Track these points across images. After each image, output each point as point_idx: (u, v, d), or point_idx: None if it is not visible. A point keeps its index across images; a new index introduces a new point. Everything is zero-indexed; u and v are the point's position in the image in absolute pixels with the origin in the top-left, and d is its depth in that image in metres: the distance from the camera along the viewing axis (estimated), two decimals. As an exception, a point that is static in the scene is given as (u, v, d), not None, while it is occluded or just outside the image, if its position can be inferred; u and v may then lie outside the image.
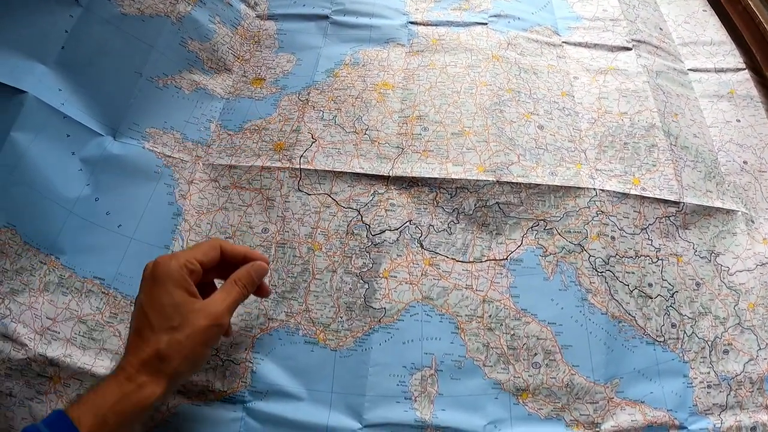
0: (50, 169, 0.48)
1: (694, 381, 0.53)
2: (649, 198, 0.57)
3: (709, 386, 0.53)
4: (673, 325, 0.54)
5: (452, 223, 0.54)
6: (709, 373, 0.53)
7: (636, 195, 0.57)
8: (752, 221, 0.62)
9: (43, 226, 0.48)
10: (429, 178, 0.55)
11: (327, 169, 0.55)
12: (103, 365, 0.47)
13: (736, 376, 0.54)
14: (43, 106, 0.48)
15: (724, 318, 0.56)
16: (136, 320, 0.38)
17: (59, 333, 0.46)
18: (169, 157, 0.55)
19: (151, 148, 0.54)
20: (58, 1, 0.50)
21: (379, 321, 0.50)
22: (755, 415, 0.52)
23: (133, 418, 0.35)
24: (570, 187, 0.56)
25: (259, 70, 0.64)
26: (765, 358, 0.55)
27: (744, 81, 0.73)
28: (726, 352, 0.55)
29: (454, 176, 0.55)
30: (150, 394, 0.36)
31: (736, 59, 0.75)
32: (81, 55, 0.52)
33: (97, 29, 0.53)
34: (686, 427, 0.51)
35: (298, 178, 0.55)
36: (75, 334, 0.46)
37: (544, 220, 0.55)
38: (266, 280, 0.51)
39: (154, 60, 0.56)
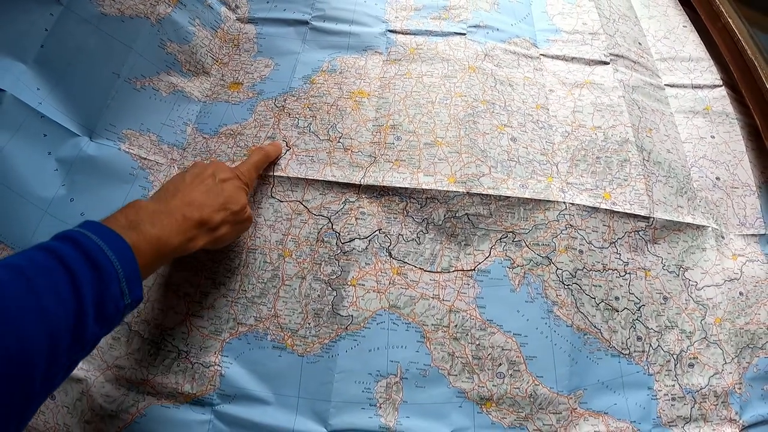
0: (26, 168, 0.48)
1: (659, 393, 0.54)
2: (619, 212, 0.58)
3: (673, 399, 0.54)
4: (639, 338, 0.55)
5: (421, 233, 0.55)
6: (673, 385, 0.54)
7: (606, 209, 0.57)
8: (722, 237, 0.63)
9: (17, 226, 0.48)
10: (400, 187, 0.55)
11: (300, 176, 0.56)
12: (80, 366, 0.48)
13: (700, 389, 0.55)
14: (21, 105, 0.48)
15: (690, 332, 0.57)
16: (207, 185, 0.45)
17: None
18: (145, 159, 0.55)
19: (127, 150, 0.55)
20: (38, 0, 0.50)
21: (346, 328, 0.51)
22: (719, 428, 0.54)
23: (173, 258, 0.43)
24: (540, 200, 0.56)
25: (236, 74, 0.64)
26: (730, 372, 0.56)
27: (720, 98, 0.74)
28: (691, 365, 0.56)
29: (424, 186, 0.55)
30: (195, 246, 0.42)
31: (713, 76, 0.76)
32: (60, 55, 0.51)
33: (77, 29, 0.53)
34: None
35: (271, 185, 0.55)
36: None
37: (512, 233, 0.55)
38: (236, 285, 0.52)
39: (132, 61, 0.57)
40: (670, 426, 0.53)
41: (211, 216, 0.43)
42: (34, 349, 0.28)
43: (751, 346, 0.58)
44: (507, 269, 0.54)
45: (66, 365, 0.31)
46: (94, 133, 0.54)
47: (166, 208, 0.40)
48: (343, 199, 0.55)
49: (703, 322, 0.57)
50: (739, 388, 0.56)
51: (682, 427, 0.53)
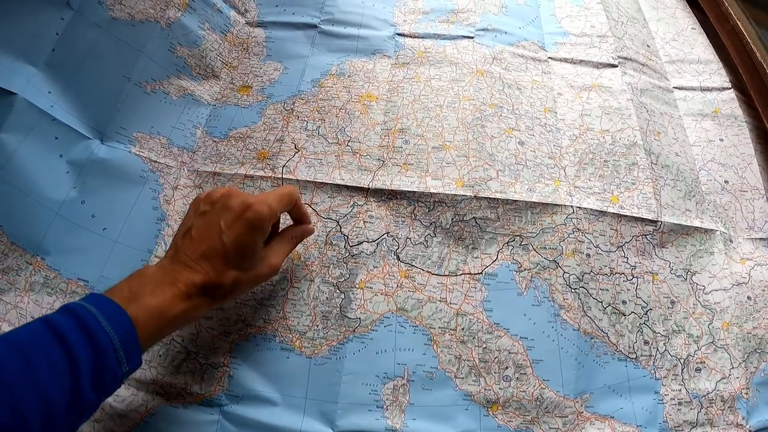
0: (38, 170, 0.49)
1: (665, 398, 0.54)
2: (626, 216, 0.58)
3: (680, 403, 0.54)
4: (646, 342, 0.55)
5: (429, 236, 0.55)
6: (680, 390, 0.54)
7: (613, 213, 0.57)
8: (731, 241, 0.62)
9: (29, 227, 0.48)
10: (408, 191, 0.56)
11: (308, 179, 0.56)
12: None
13: (707, 394, 0.54)
14: (33, 108, 0.48)
15: (697, 336, 0.57)
16: (210, 245, 0.41)
17: (42, 332, 0.47)
18: (155, 162, 0.56)
19: (137, 153, 0.55)
20: (50, 4, 0.51)
21: (354, 331, 0.51)
22: None
23: (181, 327, 0.41)
24: (547, 204, 0.56)
25: (246, 78, 0.64)
26: (737, 377, 0.56)
27: (729, 100, 0.73)
28: (698, 370, 0.55)
29: (432, 190, 0.56)
30: (200, 314, 0.41)
31: (722, 78, 0.76)
32: (71, 58, 0.52)
33: (88, 32, 0.53)
34: None
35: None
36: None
37: (520, 236, 0.55)
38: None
39: (142, 65, 0.57)
40: (676, 430, 0.53)
41: (219, 280, 0.40)
42: (30, 421, 0.29)
43: (759, 350, 0.58)
44: (514, 273, 0.54)
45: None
46: (104, 135, 0.54)
47: (170, 276, 0.39)
48: (352, 203, 0.56)
49: (710, 326, 0.57)
50: (746, 393, 0.55)
51: None
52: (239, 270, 0.41)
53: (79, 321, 0.33)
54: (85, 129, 0.53)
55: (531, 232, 0.56)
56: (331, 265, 0.53)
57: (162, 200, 0.55)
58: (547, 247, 0.55)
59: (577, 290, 0.54)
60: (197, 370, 0.49)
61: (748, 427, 0.54)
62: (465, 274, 0.54)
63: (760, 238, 0.63)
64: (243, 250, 0.42)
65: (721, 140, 0.70)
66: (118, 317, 0.35)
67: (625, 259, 0.57)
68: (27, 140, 0.48)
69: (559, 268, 0.55)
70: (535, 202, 0.56)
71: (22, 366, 0.30)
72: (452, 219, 0.55)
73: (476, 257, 0.55)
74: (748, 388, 0.56)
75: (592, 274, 0.55)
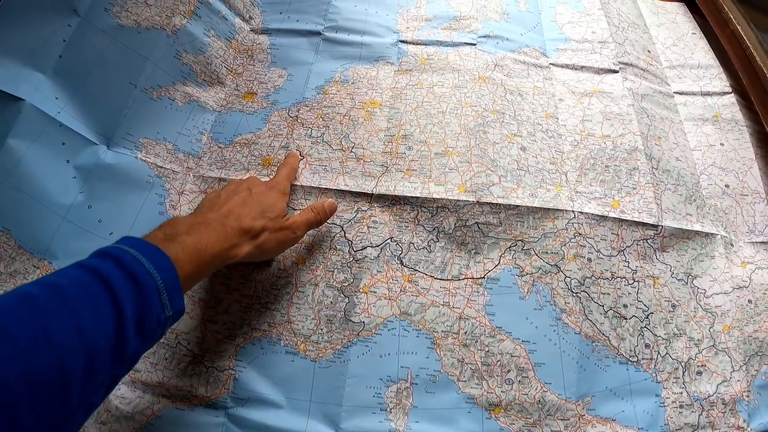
0: (45, 175, 0.50)
1: (667, 401, 0.54)
2: (627, 221, 0.58)
3: (681, 406, 0.54)
4: (647, 346, 0.55)
5: (432, 241, 0.56)
6: (681, 393, 0.55)
7: (614, 218, 0.58)
8: (731, 244, 0.63)
9: (37, 231, 0.49)
10: (411, 197, 0.56)
11: (313, 185, 0.57)
12: None
13: (708, 396, 0.55)
14: (40, 114, 0.49)
15: (698, 340, 0.57)
16: (243, 197, 0.46)
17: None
18: (161, 167, 0.57)
19: (143, 159, 0.56)
20: (57, 11, 0.52)
21: (358, 334, 0.51)
22: None
23: (216, 269, 0.42)
24: (549, 209, 0.57)
25: (251, 84, 0.65)
26: (738, 380, 0.56)
27: (729, 105, 0.74)
28: (699, 373, 0.56)
29: (435, 196, 0.56)
30: (239, 253, 0.42)
31: (722, 83, 0.76)
32: (78, 65, 0.53)
33: (94, 40, 0.54)
34: None
35: (285, 193, 0.57)
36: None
37: (522, 241, 0.56)
38: (251, 291, 0.53)
39: (148, 71, 0.58)
40: (677, 433, 0.53)
41: (251, 223, 0.43)
42: (71, 367, 0.27)
43: (760, 353, 0.58)
44: (516, 277, 0.55)
45: (106, 382, 0.31)
46: (111, 141, 0.55)
47: (203, 220, 0.40)
48: (356, 208, 0.56)
49: (711, 329, 0.58)
50: (748, 396, 0.56)
51: None
52: (269, 219, 0.45)
53: (120, 263, 0.32)
54: (92, 135, 0.53)
55: (533, 237, 0.56)
56: (336, 270, 0.54)
57: (168, 205, 0.56)
58: (548, 251, 0.56)
59: (578, 294, 0.55)
60: (203, 373, 0.50)
61: (749, 429, 0.54)
62: (467, 278, 0.54)
63: (761, 242, 0.64)
64: (271, 204, 0.46)
65: (722, 144, 0.70)
66: (159, 257, 0.34)
67: (627, 264, 0.57)
68: (35, 146, 0.49)
69: (560, 273, 0.55)
70: (536, 207, 0.57)
71: (65, 310, 0.28)
72: (455, 224, 0.56)
73: (479, 262, 0.55)
74: (749, 391, 0.56)
75: (593, 278, 0.56)
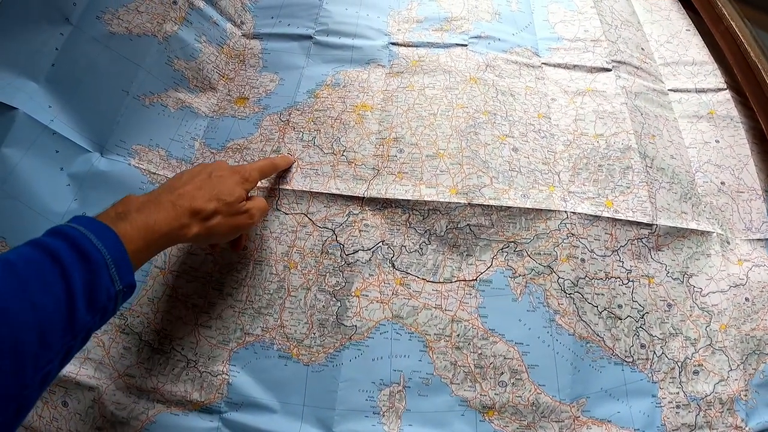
0: (39, 183, 0.50)
1: (663, 401, 0.54)
2: (621, 220, 0.58)
3: (678, 406, 0.54)
4: (643, 346, 0.55)
5: (424, 244, 0.56)
6: (678, 393, 0.55)
7: (608, 217, 0.58)
8: (728, 242, 0.63)
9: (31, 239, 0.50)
10: (402, 199, 0.56)
11: (305, 189, 0.57)
12: (86, 374, 0.50)
13: (705, 396, 0.55)
14: (34, 123, 0.50)
15: (695, 339, 0.57)
16: (201, 179, 0.45)
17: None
18: (154, 174, 0.57)
19: (136, 165, 0.56)
20: (49, 20, 0.52)
21: (350, 338, 0.52)
22: None
23: (166, 247, 0.42)
24: (541, 209, 0.57)
25: (242, 89, 0.65)
26: (736, 379, 0.56)
27: (724, 101, 0.73)
28: (696, 372, 0.56)
29: (426, 198, 0.56)
30: (188, 233, 0.42)
31: (717, 79, 0.76)
32: (70, 73, 0.53)
33: (86, 47, 0.55)
34: None
35: (277, 198, 0.57)
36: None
37: (514, 242, 0.56)
38: (243, 296, 0.53)
39: (141, 78, 0.58)
40: (674, 434, 0.53)
41: (203, 205, 0.43)
42: (25, 339, 0.29)
43: (758, 352, 0.58)
44: (509, 279, 0.55)
45: (61, 353, 0.32)
46: (104, 149, 0.55)
47: (156, 199, 0.41)
48: (347, 212, 0.56)
49: (708, 328, 0.58)
50: (745, 395, 0.56)
51: None
52: (222, 203, 0.45)
53: (69, 239, 0.33)
54: (85, 142, 0.54)
55: (525, 238, 0.56)
56: (327, 274, 0.54)
57: (161, 212, 0.56)
58: (541, 252, 0.56)
59: (572, 295, 0.55)
60: (197, 378, 0.50)
61: (747, 429, 0.54)
62: (460, 280, 0.54)
63: (758, 239, 0.63)
64: (228, 189, 0.46)
65: (717, 142, 0.70)
66: (107, 234, 0.35)
67: (621, 263, 0.57)
68: (28, 154, 0.50)
69: (553, 274, 0.55)
70: (529, 208, 0.57)
71: (16, 286, 0.30)
72: (447, 226, 0.56)
73: (471, 264, 0.55)
74: (747, 390, 0.56)
75: (587, 278, 0.56)
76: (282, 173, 0.58)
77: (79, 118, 0.54)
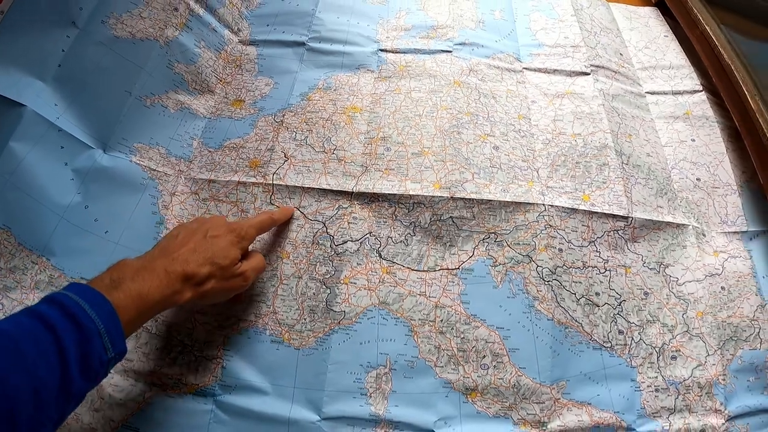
0: (44, 177, 0.52)
1: (642, 385, 0.56)
2: (597, 213, 0.61)
3: (657, 390, 0.56)
4: (621, 332, 0.58)
5: (409, 235, 0.59)
6: (656, 377, 0.57)
7: (585, 210, 0.61)
8: (703, 235, 0.65)
9: (36, 229, 0.52)
10: (389, 194, 0.59)
11: (297, 185, 0.60)
12: None
13: (684, 380, 0.57)
14: (40, 120, 0.52)
15: (672, 326, 0.59)
16: (196, 241, 0.46)
17: (48, 328, 0.50)
18: (154, 170, 0.60)
19: (137, 162, 0.59)
20: (57, 24, 0.55)
21: (339, 323, 0.54)
22: (704, 418, 0.56)
23: (159, 312, 0.42)
24: (520, 203, 0.60)
25: (239, 92, 0.69)
26: (713, 364, 0.58)
27: (700, 102, 0.77)
28: (674, 357, 0.58)
29: (412, 192, 0.59)
30: (181, 299, 0.42)
31: (693, 81, 0.79)
32: (76, 74, 0.56)
33: (92, 50, 0.57)
34: (634, 429, 0.54)
35: (271, 193, 0.60)
36: (62, 329, 0.51)
37: (494, 233, 0.59)
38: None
39: (143, 80, 0.61)
40: (654, 417, 0.55)
41: (196, 270, 0.43)
42: (20, 406, 0.30)
43: (735, 338, 0.60)
44: (489, 267, 0.57)
45: (54, 419, 0.33)
46: (107, 146, 0.58)
47: (150, 265, 0.42)
48: (337, 206, 0.59)
49: (684, 315, 0.60)
50: (723, 379, 0.57)
51: (667, 418, 0.55)
52: (216, 267, 0.45)
53: (64, 309, 0.34)
54: (89, 139, 0.56)
55: (505, 230, 0.59)
56: (318, 263, 0.57)
57: (161, 205, 0.59)
58: (520, 243, 0.58)
59: (550, 282, 0.57)
60: (192, 362, 0.52)
61: (727, 412, 0.56)
62: (443, 269, 0.57)
63: (734, 232, 0.66)
64: (223, 252, 0.46)
65: (693, 140, 0.73)
66: (101, 304, 0.36)
67: (598, 254, 0.60)
68: (35, 149, 0.52)
69: (532, 263, 0.58)
70: (508, 202, 0.60)
71: (13, 353, 0.31)
72: (430, 219, 0.59)
73: (453, 254, 0.58)
74: (725, 375, 0.58)
75: (564, 267, 0.58)
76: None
77: (83, 116, 0.56)
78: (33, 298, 0.51)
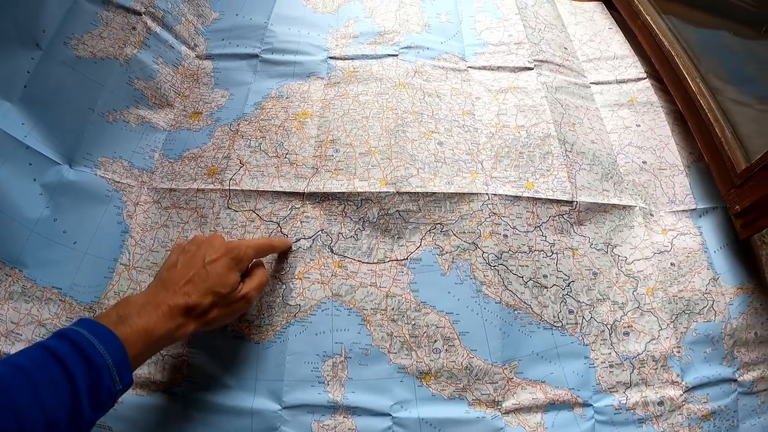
0: (14, 193, 0.54)
1: (596, 361, 0.58)
2: (542, 199, 0.64)
3: (611, 366, 0.58)
4: (571, 312, 0.60)
5: (359, 230, 0.61)
6: (610, 353, 0.59)
7: (528, 197, 0.63)
8: (651, 215, 0.68)
9: (8, 243, 0.54)
10: (338, 192, 0.63)
11: (252, 189, 0.63)
12: None
13: (638, 355, 0.59)
14: (9, 138, 0.54)
15: (622, 303, 0.61)
16: (195, 272, 0.47)
17: (22, 335, 0.53)
18: (118, 182, 0.63)
19: (102, 175, 0.62)
20: (22, 45, 0.57)
21: (295, 315, 0.57)
22: (661, 390, 0.58)
23: (166, 346, 0.45)
24: (464, 193, 0.63)
25: (197, 105, 0.72)
26: (667, 338, 0.60)
27: (644, 89, 0.80)
28: (626, 333, 0.60)
29: (360, 190, 0.62)
30: (186, 332, 0.45)
31: (637, 70, 0.82)
32: (41, 93, 0.58)
33: (55, 70, 0.60)
34: (591, 404, 0.56)
35: (228, 198, 0.63)
36: (36, 336, 0.54)
37: (440, 224, 0.62)
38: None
39: (104, 97, 0.64)
40: (611, 392, 0.57)
41: (198, 301, 0.45)
42: None
43: (687, 312, 0.62)
44: (437, 256, 0.60)
45: None
46: (73, 161, 0.60)
47: (153, 300, 0.44)
48: (290, 206, 0.62)
49: (635, 293, 0.62)
50: (678, 352, 0.60)
51: (624, 392, 0.57)
52: (217, 296, 0.47)
53: (75, 344, 0.37)
54: (56, 155, 0.59)
55: (450, 220, 0.62)
56: (274, 261, 0.60)
57: (125, 215, 0.62)
58: (465, 231, 0.61)
59: (496, 267, 0.60)
60: (159, 362, 0.55)
61: (684, 384, 0.58)
62: (392, 260, 0.60)
63: (683, 210, 0.69)
64: (222, 280, 0.48)
65: (638, 126, 0.76)
66: (109, 339, 0.39)
67: (544, 238, 0.62)
68: (4, 166, 0.54)
69: (478, 249, 0.60)
70: (452, 193, 0.63)
71: (27, 386, 0.33)
72: (378, 213, 0.62)
73: (402, 245, 0.61)
74: (680, 347, 0.60)
75: (510, 252, 0.61)
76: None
77: (49, 133, 0.58)
78: (7, 308, 0.53)
